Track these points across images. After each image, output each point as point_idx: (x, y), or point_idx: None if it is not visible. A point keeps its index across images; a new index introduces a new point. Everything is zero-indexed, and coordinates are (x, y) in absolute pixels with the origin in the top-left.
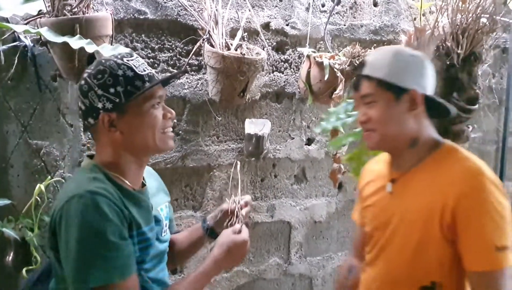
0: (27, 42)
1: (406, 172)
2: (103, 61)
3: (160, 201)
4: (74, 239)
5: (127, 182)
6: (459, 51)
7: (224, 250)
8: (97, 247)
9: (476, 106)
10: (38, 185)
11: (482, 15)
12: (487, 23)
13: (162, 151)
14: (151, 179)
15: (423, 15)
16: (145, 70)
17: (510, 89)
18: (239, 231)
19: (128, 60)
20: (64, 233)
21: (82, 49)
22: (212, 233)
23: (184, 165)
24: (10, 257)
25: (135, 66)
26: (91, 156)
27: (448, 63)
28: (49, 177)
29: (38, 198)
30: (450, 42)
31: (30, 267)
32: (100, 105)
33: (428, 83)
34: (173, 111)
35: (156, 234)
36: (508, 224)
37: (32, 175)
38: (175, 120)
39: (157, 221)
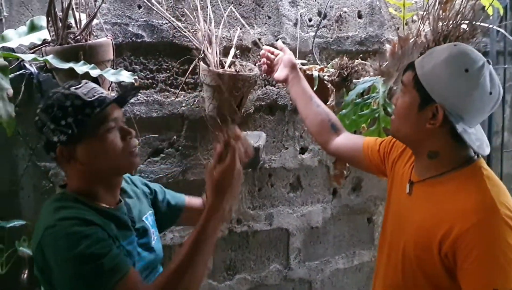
0: (33, 69)
1: (424, 180)
2: (51, 94)
3: (144, 210)
4: (66, 270)
5: (101, 204)
6: None
7: (212, 189)
8: (89, 259)
9: None
10: None
11: (462, 21)
12: (467, 29)
13: (128, 171)
14: (131, 186)
15: (406, 24)
16: (94, 96)
17: None
18: (220, 161)
19: (75, 89)
20: (58, 270)
21: (86, 74)
22: None
23: (184, 179)
24: (25, 275)
25: (83, 93)
26: (64, 185)
27: None
28: None
29: None
30: None
31: None
32: (55, 139)
33: (469, 110)
34: (132, 131)
35: (145, 244)
36: None
37: (41, 196)
38: (137, 140)
39: (145, 231)
